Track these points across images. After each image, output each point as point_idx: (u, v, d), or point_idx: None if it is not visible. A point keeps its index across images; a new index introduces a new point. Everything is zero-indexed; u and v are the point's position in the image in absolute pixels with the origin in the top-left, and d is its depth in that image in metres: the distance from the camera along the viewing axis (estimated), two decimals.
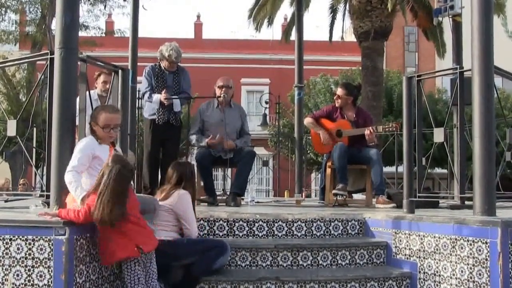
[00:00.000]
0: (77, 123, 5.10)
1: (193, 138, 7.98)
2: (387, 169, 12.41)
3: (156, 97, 7.82)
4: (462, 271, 4.73)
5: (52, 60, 4.93)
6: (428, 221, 5.16)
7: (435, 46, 18.54)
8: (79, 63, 5.05)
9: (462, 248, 4.75)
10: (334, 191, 7.90)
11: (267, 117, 22.85)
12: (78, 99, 5.10)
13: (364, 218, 5.98)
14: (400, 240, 5.46)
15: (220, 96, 7.90)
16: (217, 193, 8.07)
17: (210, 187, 7.73)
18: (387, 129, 8.13)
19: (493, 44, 5.00)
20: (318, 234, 5.85)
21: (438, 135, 5.98)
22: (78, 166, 4.65)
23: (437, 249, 5.01)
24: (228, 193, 8.06)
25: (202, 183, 7.84)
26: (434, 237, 5.04)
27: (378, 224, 5.81)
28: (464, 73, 5.89)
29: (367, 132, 7.86)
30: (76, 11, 4.98)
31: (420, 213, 5.70)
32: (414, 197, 5.79)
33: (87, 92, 5.26)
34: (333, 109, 8.42)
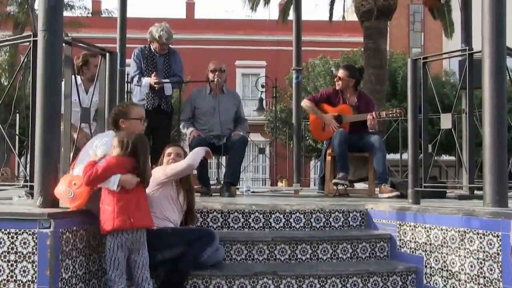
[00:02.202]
0: (62, 109, 5.06)
1: (181, 125, 7.97)
2: (391, 156, 12.43)
3: (146, 80, 7.80)
4: (471, 266, 4.73)
5: (35, 42, 4.88)
6: (435, 212, 5.15)
7: (443, 25, 18.52)
8: (64, 46, 5.01)
9: (471, 241, 4.74)
10: (334, 180, 7.90)
11: (264, 102, 22.84)
12: (63, 84, 5.06)
13: (366, 209, 5.98)
14: (405, 233, 5.46)
15: (213, 81, 7.86)
16: (211, 182, 8.05)
17: (204, 176, 7.72)
18: (390, 115, 8.11)
19: (506, 24, 4.96)
20: (317, 226, 5.84)
21: (446, 120, 5.95)
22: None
23: (444, 242, 5.00)
24: (222, 182, 8.05)
25: (195, 172, 7.84)
26: (441, 229, 5.03)
27: (381, 215, 5.80)
28: (474, 54, 5.85)
29: (369, 117, 7.84)
30: None
31: (426, 203, 5.69)
32: (420, 186, 5.77)
33: (73, 77, 5.22)
34: (333, 92, 8.38)
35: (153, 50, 7.97)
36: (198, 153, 5.55)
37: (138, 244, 4.58)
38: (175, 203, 5.31)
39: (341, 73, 8.29)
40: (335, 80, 8.39)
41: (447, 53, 6.90)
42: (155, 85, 7.73)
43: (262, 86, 18.26)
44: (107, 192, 4.54)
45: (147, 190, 4.89)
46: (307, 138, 20.81)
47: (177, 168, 5.34)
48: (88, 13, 28.06)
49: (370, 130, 7.97)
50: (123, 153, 4.59)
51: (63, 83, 5.05)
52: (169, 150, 5.65)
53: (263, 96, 20.25)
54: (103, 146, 4.81)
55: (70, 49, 5.14)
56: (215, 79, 7.84)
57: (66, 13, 23.97)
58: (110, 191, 4.52)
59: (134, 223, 4.52)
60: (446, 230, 4.99)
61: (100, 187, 4.57)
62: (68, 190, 4.57)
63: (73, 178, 4.65)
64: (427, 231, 5.19)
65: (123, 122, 5.16)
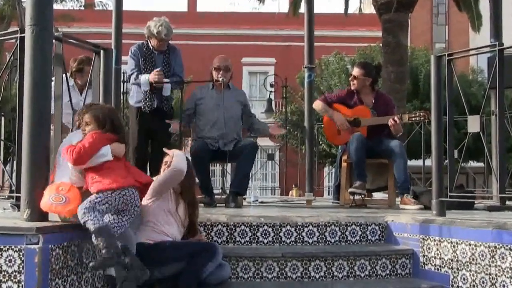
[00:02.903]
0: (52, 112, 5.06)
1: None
2: (412, 162, 12.38)
3: (144, 78, 7.72)
4: (503, 286, 4.70)
5: (22, 39, 4.88)
6: (462, 225, 5.13)
7: (469, 18, 18.46)
8: (54, 42, 5.00)
9: (503, 258, 4.71)
10: (350, 190, 7.87)
11: (273, 103, 22.86)
12: (53, 84, 5.05)
13: (386, 221, 5.95)
14: (429, 248, 5.43)
15: (218, 81, 7.84)
16: (215, 191, 8.03)
17: (207, 186, 7.70)
18: (413, 119, 8.07)
19: None
20: (332, 240, 5.82)
21: (473, 123, 5.92)
22: None
23: (473, 259, 4.97)
24: (227, 192, 8.04)
25: (197, 180, 7.81)
26: (470, 244, 5.01)
27: (402, 228, 5.77)
28: (505, 50, 5.83)
29: (391, 122, 7.82)
30: None
31: (452, 215, 5.67)
32: (445, 196, 5.74)
33: (64, 76, 5.22)
34: (348, 93, 8.37)
35: (151, 47, 7.94)
36: (181, 155, 5.47)
37: (129, 205, 4.70)
38: (174, 216, 5.29)
39: (356, 71, 8.28)
40: (350, 79, 8.38)
41: (474, 49, 6.84)
42: (155, 84, 7.67)
43: (271, 86, 18.31)
44: (96, 170, 4.67)
45: (143, 202, 4.92)
46: (321, 142, 20.80)
47: (161, 177, 5.31)
48: (81, 6, 28.16)
49: (396, 135, 7.95)
50: (101, 130, 4.79)
51: (53, 83, 5.05)
52: (166, 158, 5.61)
53: (272, 96, 20.28)
54: (75, 137, 4.86)
55: (60, 46, 5.14)
56: (220, 79, 7.81)
57: (56, 6, 24.07)
58: (98, 169, 4.66)
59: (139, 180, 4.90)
60: (475, 245, 4.96)
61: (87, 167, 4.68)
62: (59, 197, 4.54)
63: (58, 184, 4.65)
64: (454, 246, 5.17)
65: None
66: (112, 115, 4.91)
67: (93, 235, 4.44)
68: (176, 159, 5.33)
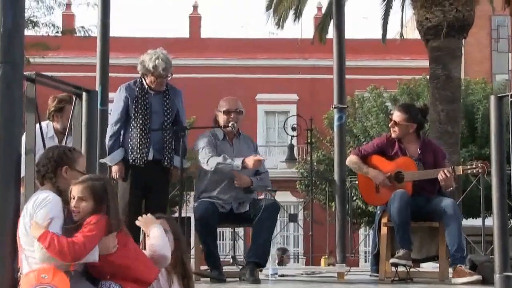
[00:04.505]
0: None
1: (212, 161, 7.74)
2: (469, 222, 12.31)
3: (115, 157, 7.76)
4: None
5: None
6: None
7: None
8: (25, 83, 5.03)
9: None
10: (392, 260, 7.83)
11: (295, 149, 22.89)
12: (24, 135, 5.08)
13: None
14: None
15: (228, 126, 7.82)
16: (222, 257, 8.00)
17: (214, 256, 7.67)
18: (469, 171, 8.04)
19: None
20: None
21: None
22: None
23: None
24: (239, 259, 8.00)
25: (201, 248, 7.79)
26: None
27: None
28: None
29: (442, 176, 7.79)
30: (21, 6, 4.98)
31: None
32: (511, 269, 5.71)
33: (39, 123, 5.26)
34: (387, 141, 8.33)
35: (146, 86, 7.82)
36: (158, 236, 5.34)
37: None
38: None
39: (397, 116, 8.23)
40: (389, 125, 8.34)
41: None
42: (116, 174, 7.69)
43: (293, 129, 18.38)
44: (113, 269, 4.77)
45: None
46: (355, 198, 20.71)
47: None
48: (58, 31, 28.30)
49: (446, 190, 7.93)
50: (98, 208, 4.72)
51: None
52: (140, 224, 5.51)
53: (294, 142, 20.34)
54: (40, 208, 4.67)
55: (33, 88, 5.15)
56: (230, 124, 7.80)
57: (28, 32, 24.29)
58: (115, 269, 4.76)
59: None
60: None
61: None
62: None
63: (37, 272, 4.58)
64: None
65: (67, 171, 4.96)
66: (109, 187, 4.90)
67: None
68: (156, 243, 5.25)
